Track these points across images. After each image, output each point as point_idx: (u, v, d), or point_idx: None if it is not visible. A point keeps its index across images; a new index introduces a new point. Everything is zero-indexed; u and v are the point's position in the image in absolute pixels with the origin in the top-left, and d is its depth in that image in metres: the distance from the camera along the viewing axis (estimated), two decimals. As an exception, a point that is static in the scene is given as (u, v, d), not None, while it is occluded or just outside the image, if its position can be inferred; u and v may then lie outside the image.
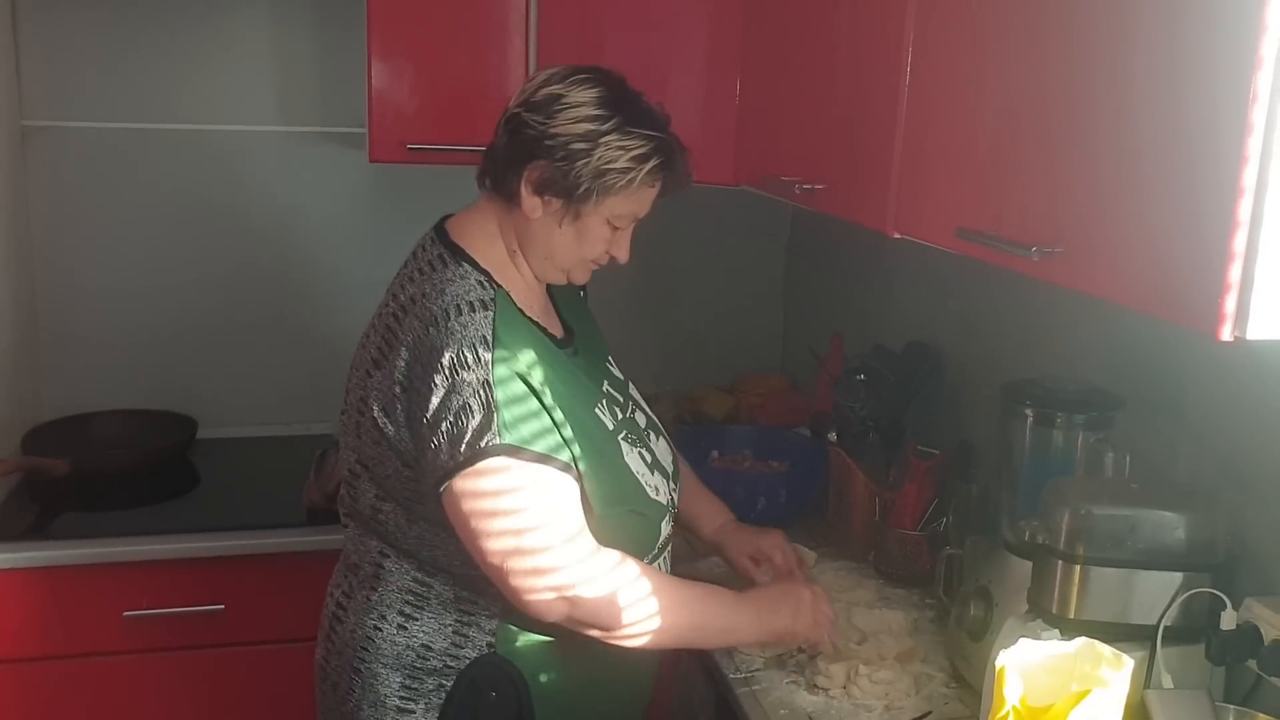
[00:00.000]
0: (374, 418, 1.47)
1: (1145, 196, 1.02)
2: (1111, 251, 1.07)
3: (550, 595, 1.43)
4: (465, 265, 1.50)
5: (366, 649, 1.56)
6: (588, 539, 1.46)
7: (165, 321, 2.66)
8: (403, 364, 1.44)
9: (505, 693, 1.53)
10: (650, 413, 1.75)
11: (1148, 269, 1.02)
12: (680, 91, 2.16)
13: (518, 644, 1.53)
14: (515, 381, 1.43)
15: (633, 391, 1.73)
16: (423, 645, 1.54)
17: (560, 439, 1.45)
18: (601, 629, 1.47)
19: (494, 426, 1.39)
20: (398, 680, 1.54)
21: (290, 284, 2.71)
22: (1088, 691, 1.11)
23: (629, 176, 1.47)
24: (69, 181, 2.55)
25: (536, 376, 1.45)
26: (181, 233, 2.63)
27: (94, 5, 2.48)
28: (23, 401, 2.50)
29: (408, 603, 1.55)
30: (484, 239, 1.54)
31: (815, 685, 1.63)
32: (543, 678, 1.55)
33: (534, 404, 1.44)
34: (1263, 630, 1.39)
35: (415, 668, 1.54)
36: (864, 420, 2.23)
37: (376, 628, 1.55)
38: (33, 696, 2.14)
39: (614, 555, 1.48)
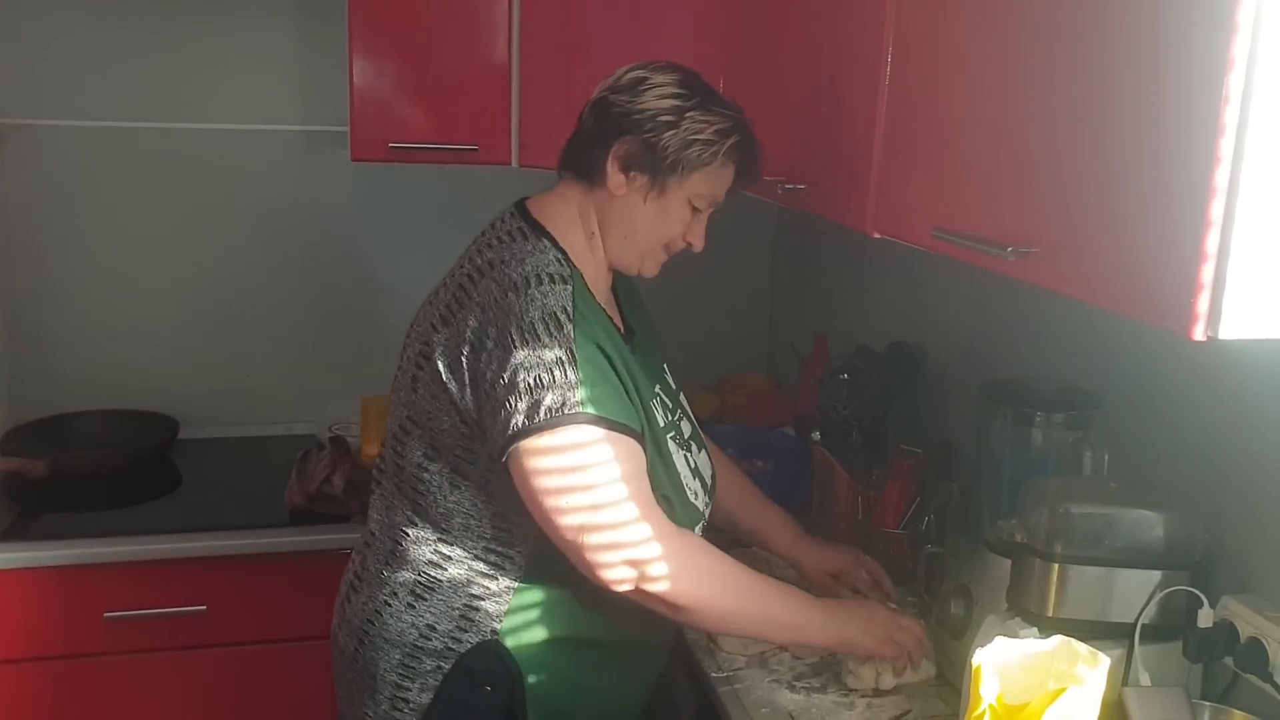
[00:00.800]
0: (438, 371, 1.48)
1: (1119, 197, 1.02)
2: (1085, 251, 1.07)
3: (625, 569, 1.44)
4: (545, 241, 1.53)
5: (373, 622, 1.58)
6: (661, 514, 1.47)
7: (146, 321, 2.65)
8: (475, 323, 1.45)
9: (499, 688, 1.54)
10: (696, 425, 1.76)
11: (1121, 269, 1.03)
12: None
13: (521, 638, 1.54)
14: (597, 354, 1.45)
15: (682, 400, 1.74)
16: (427, 625, 1.55)
17: (635, 410, 1.49)
18: (670, 606, 1.48)
19: (578, 394, 1.41)
20: (397, 657, 1.56)
21: (272, 283, 2.70)
22: (1064, 689, 1.11)
23: (713, 149, 1.51)
24: (48, 181, 2.54)
25: (612, 353, 1.48)
26: (162, 232, 2.62)
27: (72, 3, 2.47)
28: (1, 402, 2.49)
29: (419, 583, 1.56)
30: (563, 221, 1.56)
31: (848, 688, 1.62)
32: (537, 678, 1.55)
33: (614, 378, 1.47)
34: (1239, 628, 1.40)
35: (416, 647, 1.55)
36: (847, 420, 2.23)
37: (386, 603, 1.57)
38: (13, 698, 2.13)
39: (689, 535, 1.51)
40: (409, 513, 1.57)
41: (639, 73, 1.54)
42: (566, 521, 1.42)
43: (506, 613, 1.53)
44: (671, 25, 2.21)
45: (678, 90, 1.52)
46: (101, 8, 2.49)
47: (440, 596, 1.55)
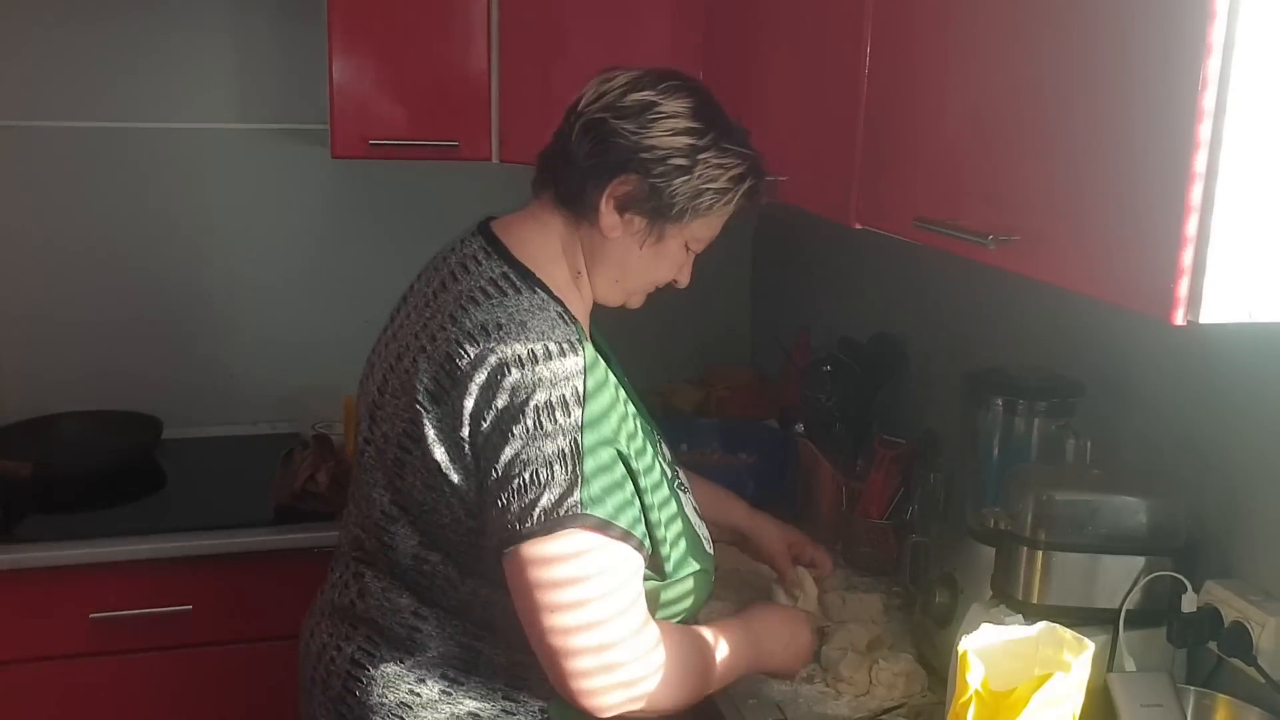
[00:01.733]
0: (434, 460, 1.30)
1: (1099, 183, 1.03)
2: (1066, 238, 1.08)
3: (616, 696, 1.29)
4: (540, 293, 1.34)
5: (402, 717, 1.38)
6: (652, 628, 1.33)
7: (129, 322, 2.63)
8: (473, 404, 1.27)
9: None
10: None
11: (1102, 255, 1.03)
12: (644, 85, 2.16)
13: (575, 711, 1.36)
14: (604, 444, 1.28)
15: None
16: (470, 714, 1.38)
17: (638, 512, 1.32)
18: (655, 712, 1.36)
19: (578, 494, 1.24)
20: None
21: (254, 282, 2.68)
22: (1049, 675, 1.12)
23: (725, 198, 1.37)
24: (29, 181, 2.52)
25: (623, 436, 1.32)
26: (143, 232, 2.60)
27: (52, 4, 2.45)
28: (-16, 404, 2.48)
29: (453, 666, 1.38)
30: (546, 258, 1.38)
31: (839, 690, 1.61)
32: None
33: (620, 471, 1.30)
34: (1223, 612, 1.41)
35: None
36: (830, 411, 2.24)
37: (414, 692, 1.38)
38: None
39: (668, 636, 1.36)
40: (416, 604, 1.39)
41: (647, 95, 1.34)
42: (553, 631, 1.26)
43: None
44: (650, 18, 2.21)
45: (691, 125, 1.34)
46: (78, 5, 2.47)
47: (479, 678, 1.38)
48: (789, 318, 2.74)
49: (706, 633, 1.46)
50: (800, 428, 2.29)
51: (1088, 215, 1.04)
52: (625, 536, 1.28)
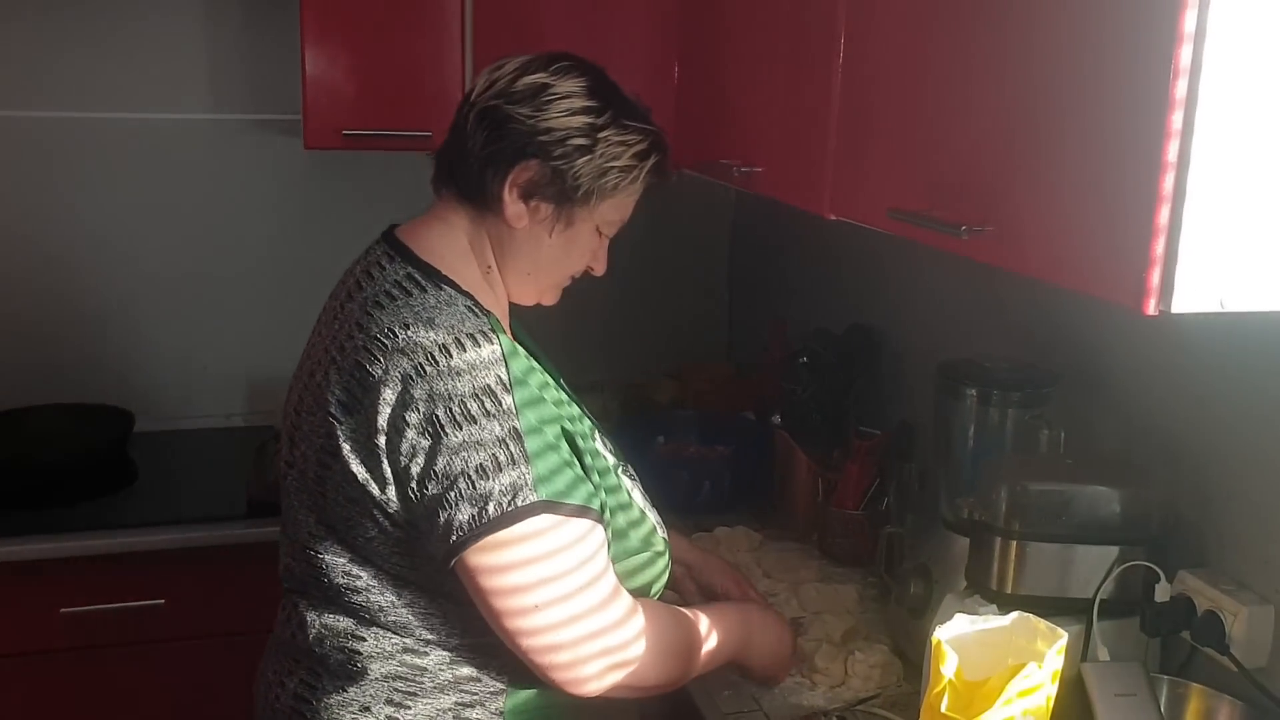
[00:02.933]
0: (350, 472, 1.24)
1: (1071, 173, 1.03)
2: (1038, 229, 1.08)
3: (603, 672, 1.27)
4: (447, 289, 1.29)
5: None
6: (624, 597, 1.30)
7: (101, 314, 2.60)
8: (388, 410, 1.21)
9: None
10: None
11: (1074, 245, 1.03)
12: (619, 75, 2.10)
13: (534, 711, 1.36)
14: (546, 423, 1.25)
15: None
16: None
17: (591, 487, 1.28)
18: (645, 689, 1.33)
19: (529, 481, 1.20)
20: None
21: (227, 274, 2.66)
22: (1022, 665, 1.12)
23: (632, 175, 1.33)
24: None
25: (562, 415, 1.28)
26: (114, 224, 2.58)
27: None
28: (-48, 397, 2.45)
29: (398, 690, 1.32)
30: (454, 256, 1.34)
31: (814, 681, 1.61)
32: None
33: (565, 450, 1.26)
34: (1195, 602, 1.41)
35: None
36: (807, 403, 2.24)
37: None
38: (-33, 698, 2.10)
39: (647, 608, 1.34)
40: (354, 626, 1.33)
41: (539, 77, 1.31)
42: (528, 628, 1.23)
43: (505, 701, 1.34)
44: (625, 8, 2.20)
45: (588, 103, 1.30)
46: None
47: (425, 699, 1.32)
48: (766, 309, 2.74)
49: (689, 613, 1.44)
50: (777, 419, 2.29)
51: (1060, 205, 1.04)
52: (583, 511, 1.24)
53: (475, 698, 1.33)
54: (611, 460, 1.41)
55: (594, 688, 1.28)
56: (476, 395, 1.20)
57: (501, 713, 1.34)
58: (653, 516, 1.46)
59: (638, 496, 1.44)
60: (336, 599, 1.33)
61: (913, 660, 1.63)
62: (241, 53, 2.57)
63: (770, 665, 1.57)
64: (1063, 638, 1.15)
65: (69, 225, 2.55)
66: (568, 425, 1.29)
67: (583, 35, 2.18)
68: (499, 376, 1.22)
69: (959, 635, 1.18)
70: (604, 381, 2.62)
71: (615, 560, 1.33)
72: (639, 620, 1.31)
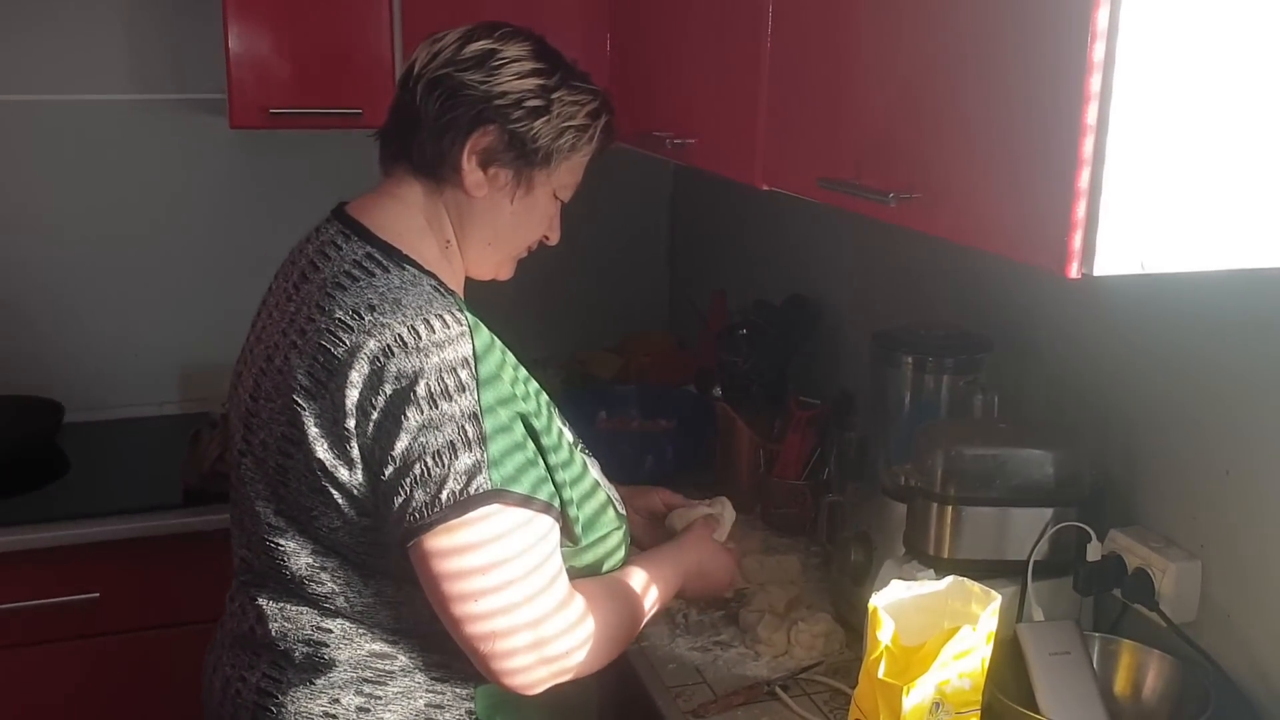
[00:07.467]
0: (317, 459, 1.22)
1: (994, 139, 1.03)
2: (964, 194, 1.08)
3: (540, 668, 1.25)
4: (410, 269, 1.27)
5: None
6: (578, 600, 1.28)
7: (24, 302, 2.54)
8: (355, 393, 1.19)
9: None
10: None
11: (999, 210, 1.03)
12: (549, 48, 2.13)
13: (501, 710, 1.34)
14: (502, 404, 1.23)
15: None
16: None
17: (544, 472, 1.26)
18: (589, 672, 1.31)
19: (484, 468, 1.18)
20: None
21: (153, 259, 2.60)
22: (957, 629, 1.13)
23: (588, 134, 1.34)
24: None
25: (518, 396, 1.26)
26: (33, 209, 2.51)
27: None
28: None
29: (368, 680, 1.30)
30: (412, 233, 1.31)
31: (758, 652, 1.61)
32: None
33: (520, 431, 1.24)
34: (1126, 560, 1.44)
35: None
36: (747, 374, 2.25)
37: (329, 714, 1.29)
38: (-102, 699, 2.05)
39: (591, 600, 1.30)
40: (318, 618, 1.31)
41: (484, 43, 1.30)
42: (470, 616, 1.21)
43: (477, 688, 1.32)
44: (556, -19, 2.18)
45: (537, 65, 1.30)
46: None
47: (396, 688, 1.30)
48: (706, 281, 2.74)
49: (635, 575, 1.42)
50: (717, 391, 2.29)
51: (983, 171, 1.05)
52: (527, 501, 1.22)
53: (445, 684, 1.32)
54: (569, 437, 1.38)
55: (529, 684, 1.25)
56: (443, 380, 1.19)
57: (472, 698, 1.32)
58: (611, 493, 1.44)
59: (595, 471, 1.42)
60: (299, 590, 1.31)
61: (855, 627, 1.64)
62: (163, 31, 2.50)
63: (711, 590, 1.58)
64: (996, 600, 1.16)
65: (-12, 212, 2.49)
66: (522, 406, 1.27)
67: (513, 7, 2.14)
68: (464, 358, 1.21)
69: (895, 601, 1.19)
70: (545, 357, 2.61)
71: (591, 546, 1.33)
72: (589, 625, 1.29)
